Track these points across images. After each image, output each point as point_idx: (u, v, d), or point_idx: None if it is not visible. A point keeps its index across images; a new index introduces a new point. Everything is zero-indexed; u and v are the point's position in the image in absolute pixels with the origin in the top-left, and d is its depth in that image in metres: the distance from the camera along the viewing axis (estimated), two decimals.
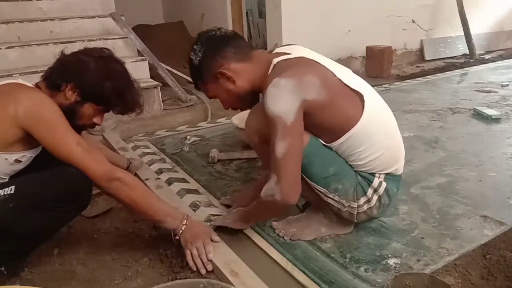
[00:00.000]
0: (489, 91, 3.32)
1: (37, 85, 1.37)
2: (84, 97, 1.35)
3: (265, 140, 1.27)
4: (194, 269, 1.29)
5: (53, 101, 1.29)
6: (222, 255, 1.32)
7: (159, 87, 3.22)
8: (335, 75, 1.26)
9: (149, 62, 3.35)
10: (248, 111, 1.41)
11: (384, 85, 3.72)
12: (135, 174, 1.94)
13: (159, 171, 2.02)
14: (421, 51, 5.13)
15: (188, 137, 2.50)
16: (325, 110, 1.23)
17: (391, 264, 1.27)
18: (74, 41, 3.11)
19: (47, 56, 2.66)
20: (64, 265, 1.40)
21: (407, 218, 1.52)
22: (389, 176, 1.34)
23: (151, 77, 3.34)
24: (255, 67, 1.32)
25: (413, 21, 4.92)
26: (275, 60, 1.28)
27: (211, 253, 1.30)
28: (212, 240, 1.36)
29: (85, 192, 1.31)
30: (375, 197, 1.33)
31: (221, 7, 4.97)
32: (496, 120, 2.57)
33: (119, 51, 3.01)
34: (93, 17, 3.54)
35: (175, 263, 1.35)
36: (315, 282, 1.20)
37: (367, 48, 4.33)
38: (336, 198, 1.32)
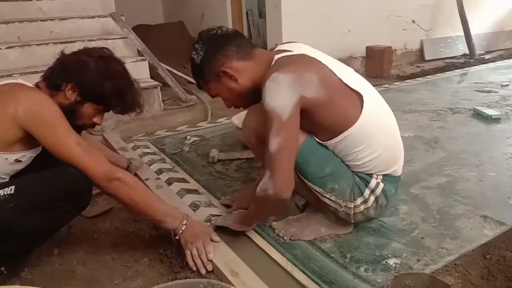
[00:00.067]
0: (489, 91, 3.32)
1: (37, 85, 1.37)
2: (84, 97, 1.35)
3: (262, 140, 1.26)
4: (194, 269, 1.29)
5: (53, 101, 1.29)
6: (222, 255, 1.32)
7: (159, 87, 3.22)
8: (335, 74, 1.26)
9: (149, 62, 3.35)
10: None
11: (384, 85, 3.72)
12: (135, 174, 1.94)
13: (159, 171, 2.02)
14: (421, 51, 5.13)
15: (188, 137, 2.50)
16: (323, 109, 1.22)
17: (391, 264, 1.27)
18: (74, 41, 3.10)
19: (47, 56, 2.66)
20: (64, 265, 1.40)
21: (407, 218, 1.52)
22: (387, 177, 1.34)
23: (151, 77, 3.34)
24: (256, 65, 1.32)
25: (413, 21, 4.92)
26: (277, 56, 1.28)
27: (211, 253, 1.30)
28: (212, 240, 1.36)
29: (85, 192, 1.31)
30: (372, 198, 1.33)
31: (221, 7, 4.97)
32: (496, 120, 2.57)
33: (119, 51, 3.01)
34: (93, 17, 3.54)
35: (175, 263, 1.35)
36: (315, 282, 1.20)
37: (367, 48, 4.33)
38: (333, 198, 1.32)
